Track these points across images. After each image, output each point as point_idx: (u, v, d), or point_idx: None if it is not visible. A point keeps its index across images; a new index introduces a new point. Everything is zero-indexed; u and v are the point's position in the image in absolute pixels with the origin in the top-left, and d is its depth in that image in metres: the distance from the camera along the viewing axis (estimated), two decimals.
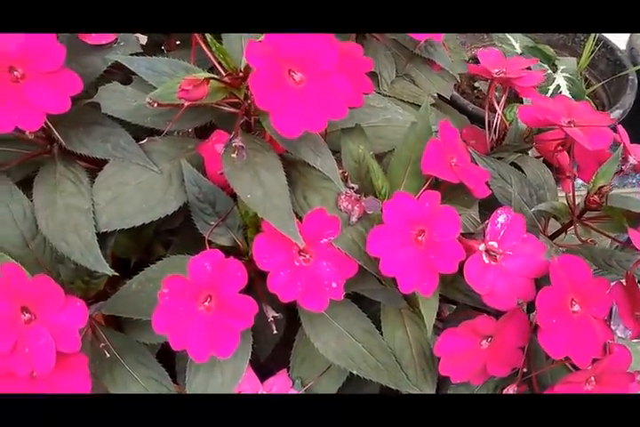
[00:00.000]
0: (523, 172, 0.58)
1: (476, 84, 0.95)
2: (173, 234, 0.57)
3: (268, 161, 0.46)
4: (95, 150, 0.47)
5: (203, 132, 0.52)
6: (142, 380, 0.50)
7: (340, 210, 0.48)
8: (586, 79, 0.95)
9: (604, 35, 1.02)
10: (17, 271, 0.42)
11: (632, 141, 0.62)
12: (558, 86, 0.87)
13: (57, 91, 0.43)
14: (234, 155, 0.42)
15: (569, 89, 0.86)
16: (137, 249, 0.56)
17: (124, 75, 0.51)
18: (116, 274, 0.46)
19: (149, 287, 0.48)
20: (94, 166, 0.50)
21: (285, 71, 0.42)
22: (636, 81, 0.96)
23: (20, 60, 0.42)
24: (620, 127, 0.57)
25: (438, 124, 0.53)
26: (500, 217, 0.49)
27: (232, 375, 0.49)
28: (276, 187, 0.45)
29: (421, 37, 0.59)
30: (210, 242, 0.49)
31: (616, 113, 0.91)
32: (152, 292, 0.47)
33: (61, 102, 0.43)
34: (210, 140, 0.50)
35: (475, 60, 0.94)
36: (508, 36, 0.92)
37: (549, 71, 0.88)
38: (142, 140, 0.49)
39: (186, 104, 0.42)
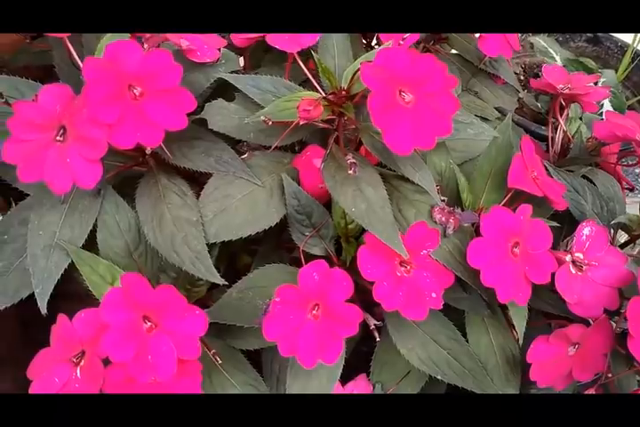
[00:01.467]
0: (593, 184, 0.60)
1: (520, 95, 0.97)
2: (256, 243, 0.59)
3: (369, 176, 0.48)
4: (199, 164, 0.49)
5: (292, 147, 0.54)
6: (239, 385, 0.51)
7: (435, 222, 0.50)
8: (622, 90, 0.98)
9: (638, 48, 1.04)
10: (139, 281, 0.43)
11: None
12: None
13: (174, 108, 0.44)
14: (350, 171, 0.44)
15: (610, 101, 0.89)
16: (223, 258, 0.57)
17: (219, 92, 0.52)
18: (226, 283, 0.47)
19: (249, 295, 0.50)
20: (190, 180, 0.51)
21: (397, 92, 0.44)
22: None
23: (139, 79, 0.44)
24: None
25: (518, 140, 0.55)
26: (585, 229, 0.51)
27: (327, 379, 0.50)
28: (378, 200, 0.47)
29: (494, 53, 0.61)
30: (304, 252, 0.51)
31: None
32: (251, 299, 0.50)
33: (179, 119, 0.44)
34: (304, 155, 0.52)
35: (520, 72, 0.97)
36: (549, 48, 0.95)
37: (591, 84, 0.90)
38: (242, 154, 0.50)
39: (301, 123, 0.44)
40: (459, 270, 0.49)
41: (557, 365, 0.50)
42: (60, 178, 0.44)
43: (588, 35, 1.08)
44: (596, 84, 0.93)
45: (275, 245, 0.58)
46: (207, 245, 0.48)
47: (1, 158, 0.43)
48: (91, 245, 0.49)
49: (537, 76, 1.07)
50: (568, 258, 0.50)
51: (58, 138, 0.43)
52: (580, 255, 0.51)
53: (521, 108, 0.92)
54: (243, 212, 0.48)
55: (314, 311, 0.46)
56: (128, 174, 0.52)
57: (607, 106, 0.90)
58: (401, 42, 0.50)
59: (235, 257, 0.59)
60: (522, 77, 1.01)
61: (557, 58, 0.95)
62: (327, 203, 0.52)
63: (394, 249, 0.45)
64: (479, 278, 0.47)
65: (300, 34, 0.50)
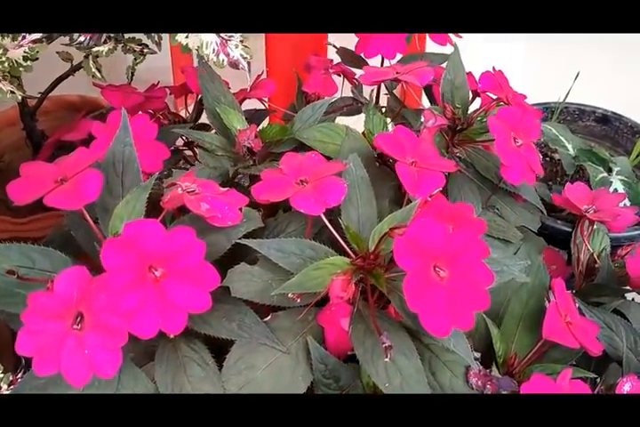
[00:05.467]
0: (625, 317, 0.58)
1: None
2: None
3: (401, 343, 0.46)
4: (220, 330, 0.47)
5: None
6: None
7: (472, 387, 0.47)
8: (637, 176, 0.96)
9: None
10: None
11: None
12: (616, 190, 0.88)
13: (198, 288, 0.42)
14: (387, 359, 0.42)
15: (626, 192, 0.87)
16: None
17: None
18: None
19: None
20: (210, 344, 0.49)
21: (431, 269, 0.42)
22: None
23: (161, 259, 0.42)
24: None
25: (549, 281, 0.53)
26: (626, 386, 0.49)
27: None
28: (413, 373, 0.45)
29: (517, 181, 0.59)
30: None
31: None
32: None
33: (203, 300, 0.42)
34: (329, 310, 0.50)
35: None
36: (560, 137, 0.93)
37: (605, 174, 0.89)
38: (265, 316, 0.48)
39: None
40: None
41: None
42: (77, 369, 0.41)
43: (597, 114, 1.07)
44: (609, 173, 0.91)
45: None
46: None
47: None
48: None
49: (546, 155, 1.06)
50: None
51: (75, 326, 0.41)
52: None
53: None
54: (268, 384, 0.46)
55: None
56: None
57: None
58: (429, 198, 0.48)
59: None
60: None
61: (569, 146, 0.93)
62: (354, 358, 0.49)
63: None
64: None
65: (325, 191, 0.48)
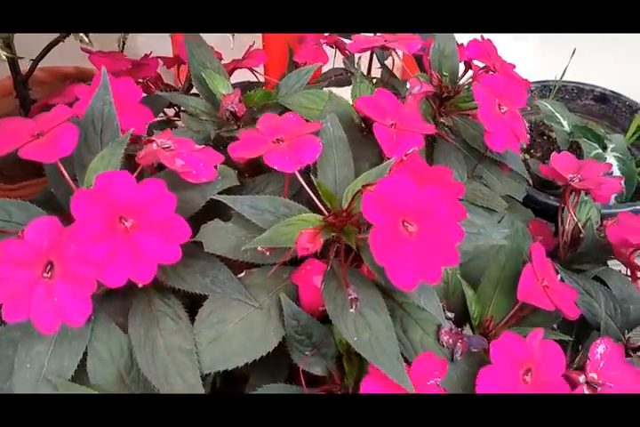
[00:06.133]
0: (605, 284, 0.58)
1: (526, 156, 0.95)
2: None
3: (372, 299, 0.46)
4: (195, 285, 0.47)
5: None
6: None
7: (442, 345, 0.47)
8: (632, 154, 0.95)
9: None
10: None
11: None
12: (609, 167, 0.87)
13: (168, 239, 0.42)
14: (352, 310, 0.42)
15: (620, 169, 0.87)
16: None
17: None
18: None
19: None
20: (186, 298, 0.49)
21: (400, 223, 0.42)
22: None
23: (131, 210, 0.42)
24: None
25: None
26: (600, 347, 0.49)
27: None
28: (382, 328, 0.45)
29: (500, 148, 0.59)
30: (304, 371, 0.49)
31: None
32: None
33: (172, 251, 0.42)
34: (303, 269, 0.50)
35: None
36: (556, 113, 0.93)
37: (600, 151, 0.88)
38: (239, 272, 0.48)
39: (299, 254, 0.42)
40: None
41: None
42: (47, 317, 0.41)
43: (596, 93, 1.06)
44: (604, 149, 0.91)
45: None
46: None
47: None
48: (80, 372, 0.47)
49: (543, 134, 1.05)
50: (582, 379, 0.48)
51: (45, 275, 0.41)
52: (595, 375, 0.48)
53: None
54: (239, 339, 0.46)
55: None
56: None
57: (616, 172, 0.87)
58: (404, 157, 0.48)
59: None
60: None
61: (565, 123, 0.93)
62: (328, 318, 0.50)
63: (399, 384, 0.43)
64: None
65: (300, 149, 0.48)
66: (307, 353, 0.49)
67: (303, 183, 0.47)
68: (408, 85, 0.62)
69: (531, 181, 0.67)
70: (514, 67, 0.68)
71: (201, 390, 0.45)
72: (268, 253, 0.43)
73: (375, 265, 0.45)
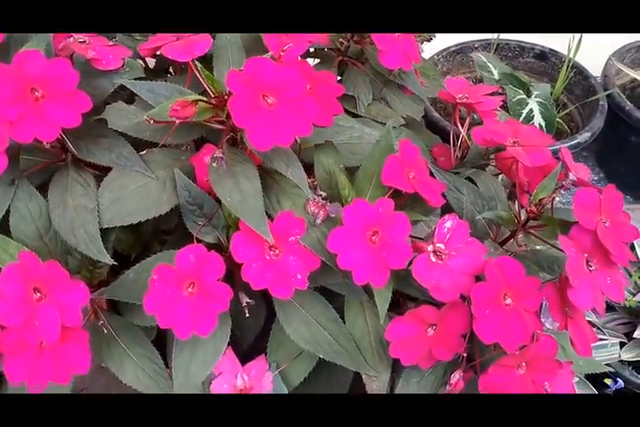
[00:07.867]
0: (477, 185, 0.65)
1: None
2: (168, 234, 0.65)
3: (246, 170, 0.54)
4: (102, 159, 0.56)
5: (200, 146, 0.61)
6: (136, 357, 0.58)
7: (308, 213, 0.56)
8: (564, 104, 1.03)
9: (580, 63, 1.09)
10: (31, 258, 0.50)
11: (600, 160, 0.67)
12: (531, 110, 0.95)
13: (71, 108, 0.51)
14: (214, 164, 0.51)
15: (541, 113, 0.94)
16: (137, 246, 0.64)
17: (127, 95, 0.59)
18: (115, 263, 0.54)
19: (144, 276, 0.56)
20: (102, 173, 0.58)
21: (260, 96, 0.50)
22: (606, 106, 1.03)
23: (41, 83, 0.51)
24: (563, 148, 0.64)
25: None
26: (447, 222, 0.57)
27: (213, 354, 0.56)
28: (252, 192, 0.53)
29: (393, 66, 0.67)
30: (198, 239, 0.58)
31: (585, 135, 0.98)
32: (146, 280, 0.56)
33: (74, 118, 0.51)
34: (200, 153, 0.59)
35: None
36: (488, 63, 1.01)
37: (523, 96, 0.96)
38: (142, 151, 0.57)
39: (177, 122, 0.51)
40: (324, 256, 0.54)
41: (417, 344, 0.56)
42: None
43: (536, 51, 1.13)
44: (529, 95, 0.98)
45: (187, 235, 0.64)
46: (103, 230, 0.54)
47: None
48: (4, 229, 0.56)
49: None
50: (429, 248, 0.56)
51: None
52: (442, 246, 0.56)
53: (443, 109, 0.97)
54: (135, 201, 0.55)
55: (189, 289, 0.52)
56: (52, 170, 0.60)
57: (538, 118, 0.95)
58: (282, 53, 0.56)
59: (148, 245, 0.66)
60: None
61: (495, 72, 1.00)
62: None
63: (261, 235, 0.52)
64: None
65: (193, 44, 0.56)
66: (199, 223, 0.58)
67: (196, 71, 0.55)
68: None
69: (427, 102, 0.75)
70: None
71: (99, 240, 0.54)
72: (152, 122, 0.52)
73: (256, 150, 0.54)
